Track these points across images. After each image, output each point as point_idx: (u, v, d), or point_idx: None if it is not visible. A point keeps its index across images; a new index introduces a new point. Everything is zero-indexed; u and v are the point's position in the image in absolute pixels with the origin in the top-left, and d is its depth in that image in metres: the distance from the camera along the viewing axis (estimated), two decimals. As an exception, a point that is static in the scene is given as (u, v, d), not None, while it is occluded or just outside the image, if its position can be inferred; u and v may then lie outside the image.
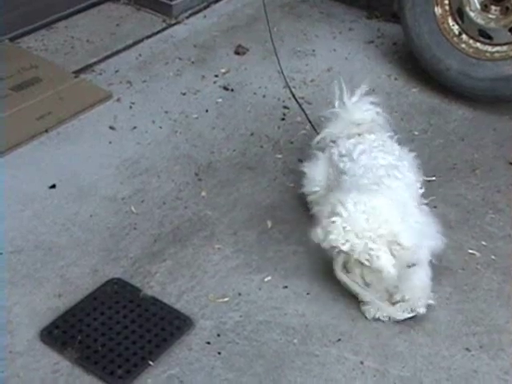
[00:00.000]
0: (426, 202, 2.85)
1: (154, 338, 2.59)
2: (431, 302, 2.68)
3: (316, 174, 3.00)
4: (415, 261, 2.58)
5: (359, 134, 2.94)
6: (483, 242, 3.02)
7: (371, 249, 2.45)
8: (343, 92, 3.02)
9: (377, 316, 2.66)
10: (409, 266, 2.58)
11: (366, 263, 2.47)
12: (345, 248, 2.48)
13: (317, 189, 2.99)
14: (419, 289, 2.66)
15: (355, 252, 2.47)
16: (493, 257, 2.95)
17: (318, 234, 2.58)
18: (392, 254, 2.46)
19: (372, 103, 3.01)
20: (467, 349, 2.58)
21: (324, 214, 2.59)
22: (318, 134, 3.14)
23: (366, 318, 2.67)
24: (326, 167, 2.97)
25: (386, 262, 2.45)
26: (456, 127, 3.73)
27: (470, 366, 2.53)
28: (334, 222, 2.50)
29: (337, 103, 3.03)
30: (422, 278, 2.67)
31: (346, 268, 2.58)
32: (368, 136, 2.92)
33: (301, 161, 3.39)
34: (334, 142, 2.98)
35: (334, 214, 2.52)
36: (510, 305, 2.74)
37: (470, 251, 2.97)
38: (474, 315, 2.70)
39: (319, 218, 2.64)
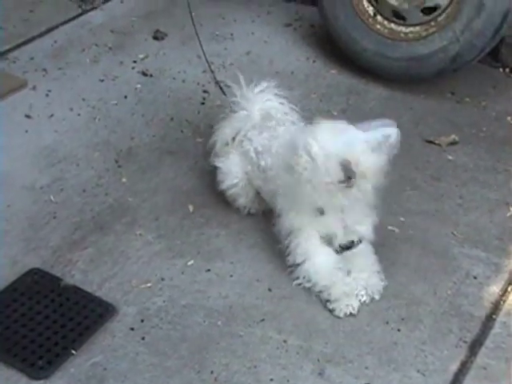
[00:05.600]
0: None
1: (76, 326, 2.56)
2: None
3: (231, 167, 2.99)
4: None
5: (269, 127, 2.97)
6: (401, 218, 3.09)
7: None
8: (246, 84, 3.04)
9: (348, 312, 2.65)
10: None
11: None
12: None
13: (236, 180, 2.98)
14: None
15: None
16: (411, 232, 3.02)
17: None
18: None
19: (276, 95, 3.02)
20: (387, 322, 2.63)
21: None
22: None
23: (338, 316, 2.65)
24: (240, 160, 2.97)
25: None
26: (374, 107, 3.79)
27: (389, 338, 2.58)
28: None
29: (239, 94, 3.03)
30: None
31: None
32: (279, 128, 2.94)
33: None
34: (244, 136, 2.98)
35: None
36: (427, 278, 2.82)
37: (390, 227, 3.03)
38: (394, 289, 2.76)
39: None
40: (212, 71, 3.84)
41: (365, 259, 2.77)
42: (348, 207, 2.68)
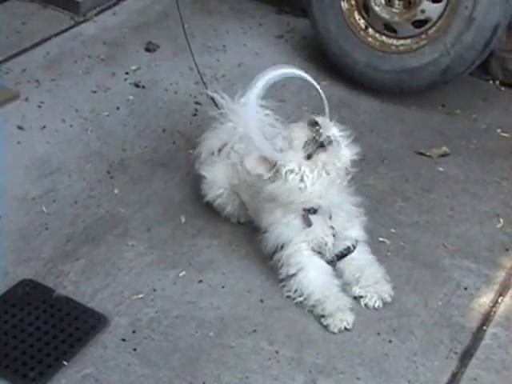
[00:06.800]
0: None
1: (67, 337, 2.56)
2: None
3: (216, 177, 2.99)
4: None
5: None
6: (392, 230, 3.10)
7: None
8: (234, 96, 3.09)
9: (342, 327, 2.64)
10: None
11: None
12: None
13: (220, 191, 2.99)
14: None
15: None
16: (402, 243, 3.03)
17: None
18: None
19: (262, 106, 3.02)
20: (378, 333, 2.64)
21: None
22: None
23: (333, 332, 2.64)
24: (227, 171, 2.98)
25: None
26: (365, 119, 3.81)
27: (381, 349, 2.59)
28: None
29: (225, 105, 3.06)
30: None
31: None
32: None
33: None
34: (232, 148, 2.99)
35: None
36: (418, 289, 2.83)
37: (381, 239, 3.04)
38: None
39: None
40: (204, 83, 3.85)
41: (369, 267, 2.78)
42: (334, 210, 2.71)
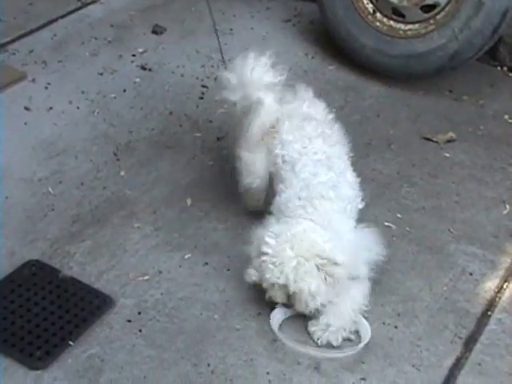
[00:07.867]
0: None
1: (73, 318, 2.57)
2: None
3: (256, 164, 2.82)
4: (356, 275, 2.55)
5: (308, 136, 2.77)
6: (398, 215, 3.10)
7: (304, 273, 2.42)
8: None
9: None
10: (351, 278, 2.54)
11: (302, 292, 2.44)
12: (281, 281, 2.44)
13: (258, 181, 2.85)
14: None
15: (290, 282, 2.43)
16: (408, 228, 3.03)
17: (251, 274, 2.56)
18: (327, 274, 2.43)
19: (266, 63, 2.87)
20: (383, 318, 2.65)
21: (253, 253, 2.56)
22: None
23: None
24: (266, 157, 2.82)
25: (316, 288, 2.43)
26: (372, 104, 3.80)
27: (385, 334, 2.59)
28: (263, 261, 2.47)
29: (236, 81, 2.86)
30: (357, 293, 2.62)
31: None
32: (315, 140, 2.74)
33: (219, 139, 3.43)
34: (273, 127, 2.80)
35: (261, 253, 2.49)
36: (423, 274, 2.83)
37: (386, 224, 3.04)
38: (390, 285, 2.77)
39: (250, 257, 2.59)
40: (224, 61, 3.80)
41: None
42: None
